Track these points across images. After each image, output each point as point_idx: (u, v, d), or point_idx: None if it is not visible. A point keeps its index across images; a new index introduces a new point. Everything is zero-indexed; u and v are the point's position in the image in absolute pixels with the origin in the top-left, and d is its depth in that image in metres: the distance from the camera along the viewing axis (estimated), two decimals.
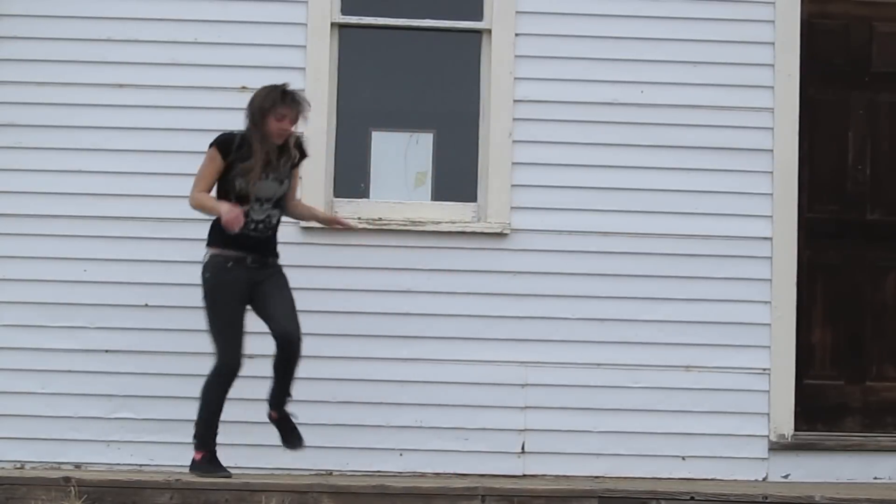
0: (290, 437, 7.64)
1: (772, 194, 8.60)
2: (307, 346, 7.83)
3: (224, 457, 7.60)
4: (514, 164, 8.54)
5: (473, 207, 8.61)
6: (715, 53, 8.61)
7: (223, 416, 8.07)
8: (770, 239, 8.59)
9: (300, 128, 7.63)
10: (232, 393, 8.11)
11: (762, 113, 8.61)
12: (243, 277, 7.53)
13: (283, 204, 7.64)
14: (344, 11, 8.62)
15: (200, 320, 8.24)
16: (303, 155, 7.71)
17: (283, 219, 7.75)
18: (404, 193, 8.68)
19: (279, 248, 7.69)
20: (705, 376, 8.52)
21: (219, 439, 7.80)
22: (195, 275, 8.33)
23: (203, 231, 8.28)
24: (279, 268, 7.67)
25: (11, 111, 8.42)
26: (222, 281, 7.50)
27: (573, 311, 8.51)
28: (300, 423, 7.77)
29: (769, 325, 8.55)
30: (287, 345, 7.48)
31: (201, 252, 8.35)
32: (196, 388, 8.11)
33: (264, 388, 8.14)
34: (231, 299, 7.51)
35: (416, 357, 8.45)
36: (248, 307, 7.60)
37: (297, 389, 7.85)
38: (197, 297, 8.05)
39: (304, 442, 7.65)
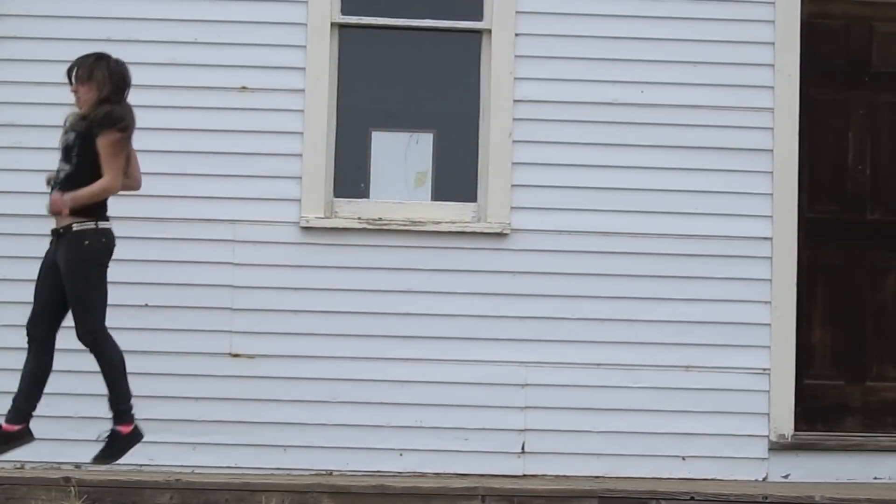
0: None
1: (772, 194, 8.60)
2: (307, 346, 7.85)
3: (224, 457, 7.60)
4: (514, 164, 8.54)
5: (473, 207, 8.61)
6: (715, 53, 8.61)
7: (223, 416, 8.09)
8: (770, 239, 8.59)
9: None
10: (232, 393, 8.14)
11: (762, 113, 8.61)
12: None
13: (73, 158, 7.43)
14: (344, 11, 8.62)
15: (200, 320, 8.28)
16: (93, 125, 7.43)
17: (281, 218, 7.75)
18: (404, 193, 8.68)
19: None
20: (705, 376, 8.52)
21: (219, 439, 7.84)
22: (195, 275, 8.36)
23: (202, 231, 8.32)
24: (73, 253, 7.42)
25: (11, 111, 8.42)
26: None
27: (573, 311, 8.50)
28: (300, 423, 7.78)
29: (769, 325, 8.55)
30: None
31: (201, 252, 8.38)
32: (196, 388, 8.14)
33: (264, 389, 8.16)
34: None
35: (416, 357, 8.45)
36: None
37: (297, 389, 7.86)
38: (197, 296, 8.09)
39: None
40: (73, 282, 7.40)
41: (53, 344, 7.54)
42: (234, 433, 7.98)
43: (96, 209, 7.43)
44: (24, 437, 7.40)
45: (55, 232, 7.48)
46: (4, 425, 7.38)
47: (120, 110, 7.45)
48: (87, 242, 7.39)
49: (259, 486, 7.16)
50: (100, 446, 7.38)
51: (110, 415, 7.39)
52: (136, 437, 7.43)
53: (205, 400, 8.26)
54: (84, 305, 7.41)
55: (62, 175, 7.45)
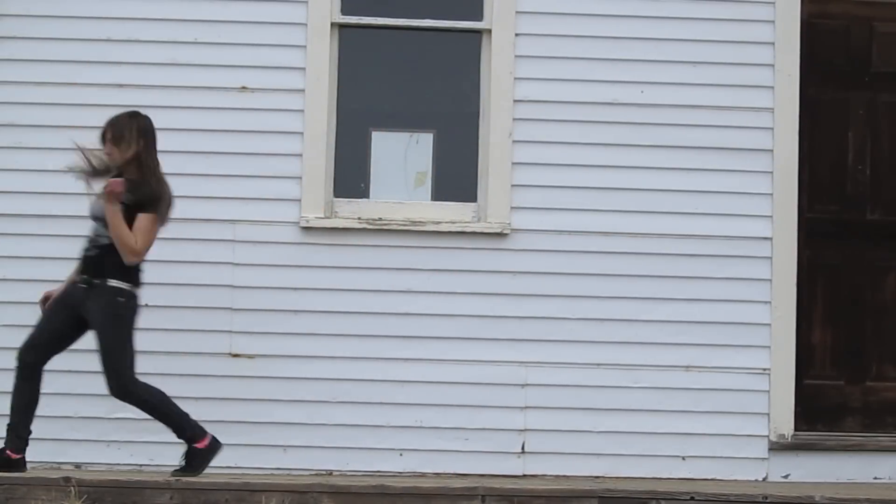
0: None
1: (772, 194, 8.60)
2: (307, 346, 7.84)
3: (224, 457, 7.60)
4: (514, 164, 8.54)
5: (473, 207, 8.61)
6: (715, 53, 8.61)
7: (223, 417, 8.08)
8: (770, 239, 8.59)
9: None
10: (232, 393, 8.14)
11: (762, 113, 8.61)
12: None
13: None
14: (344, 11, 8.62)
15: (200, 320, 8.28)
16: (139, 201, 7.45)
17: (281, 218, 7.76)
18: (404, 193, 8.68)
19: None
20: (705, 376, 8.52)
21: (219, 439, 7.82)
22: (195, 275, 8.36)
23: (202, 231, 8.32)
24: (108, 308, 7.48)
25: (11, 111, 8.42)
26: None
27: (573, 311, 8.50)
28: (300, 423, 7.79)
29: (769, 325, 8.55)
30: None
31: (202, 252, 8.38)
32: (196, 388, 8.13)
33: (264, 389, 8.16)
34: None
35: (416, 357, 8.45)
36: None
37: (297, 389, 7.86)
38: (197, 296, 8.11)
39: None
40: (107, 335, 7.44)
41: (41, 374, 7.55)
42: (234, 433, 7.97)
43: (134, 274, 7.48)
44: (21, 465, 7.48)
45: (86, 282, 7.48)
46: (8, 451, 7.45)
47: (163, 191, 7.46)
48: (121, 300, 7.44)
49: (259, 486, 7.15)
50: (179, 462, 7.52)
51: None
52: (213, 448, 7.49)
53: (205, 400, 8.26)
54: (116, 358, 7.44)
55: (103, 241, 7.47)
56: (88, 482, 7.15)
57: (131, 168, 7.46)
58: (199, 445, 7.46)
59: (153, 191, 7.42)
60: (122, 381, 7.43)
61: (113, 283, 7.43)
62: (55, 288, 7.65)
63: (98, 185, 7.48)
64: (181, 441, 7.48)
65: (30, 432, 7.50)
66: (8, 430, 7.50)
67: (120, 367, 7.41)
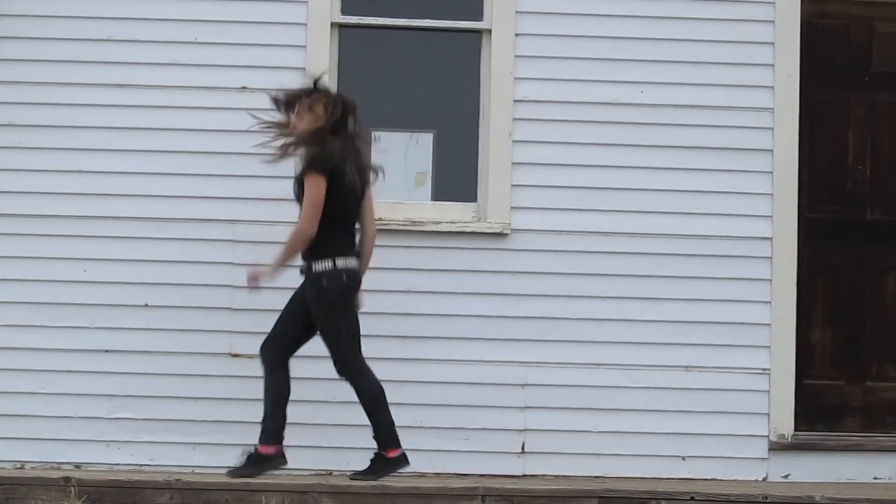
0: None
1: (772, 194, 8.60)
2: (307, 346, 7.82)
3: (224, 457, 7.60)
4: (514, 164, 8.54)
5: (473, 207, 8.61)
6: (715, 53, 8.61)
7: (223, 416, 8.09)
8: (770, 239, 8.59)
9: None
10: (232, 393, 8.15)
11: (762, 113, 8.61)
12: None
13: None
14: (344, 11, 8.62)
15: (200, 320, 8.28)
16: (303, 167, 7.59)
17: (281, 218, 7.76)
18: (404, 193, 8.68)
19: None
20: (705, 376, 8.52)
21: (219, 439, 7.84)
22: (195, 275, 8.37)
23: (202, 231, 8.32)
24: (316, 295, 7.55)
25: (11, 111, 8.41)
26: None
27: (573, 311, 8.51)
28: (299, 423, 7.79)
29: (769, 325, 8.55)
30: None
31: (201, 252, 8.39)
32: (196, 388, 8.13)
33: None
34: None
35: (416, 357, 8.45)
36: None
37: (297, 389, 7.85)
38: (197, 296, 8.10)
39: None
40: (320, 322, 7.52)
41: (287, 369, 7.61)
42: (234, 433, 7.97)
43: (333, 246, 7.50)
44: (278, 459, 7.54)
45: (301, 270, 7.57)
46: (259, 447, 7.51)
47: (327, 152, 7.47)
48: (325, 283, 7.48)
49: (259, 486, 7.16)
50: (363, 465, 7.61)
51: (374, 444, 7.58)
52: (400, 461, 7.55)
53: (205, 400, 8.27)
54: (334, 342, 7.52)
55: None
56: (88, 482, 7.16)
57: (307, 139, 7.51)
58: (388, 453, 7.52)
59: (313, 153, 7.44)
60: (342, 363, 7.49)
61: (316, 267, 7.48)
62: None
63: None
64: (180, 442, 7.49)
65: (282, 426, 7.55)
66: (261, 426, 7.55)
67: (340, 350, 7.48)
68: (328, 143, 7.49)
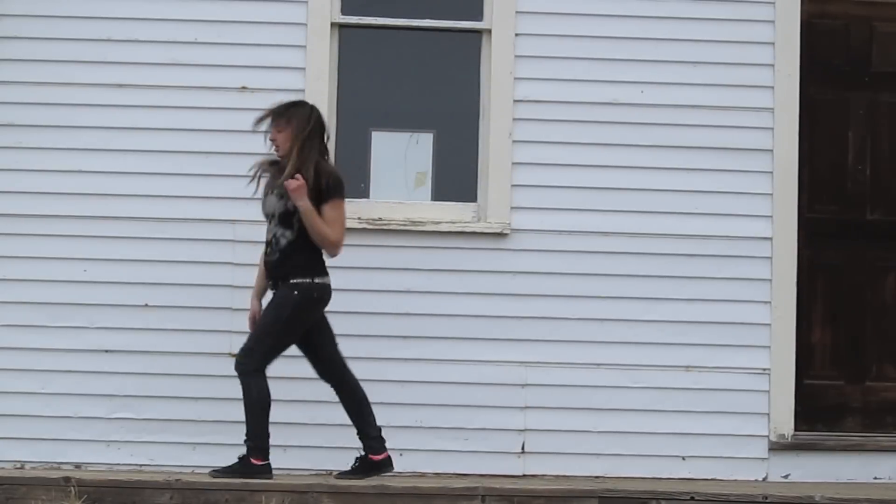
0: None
1: (772, 194, 8.60)
2: None
3: (224, 457, 7.60)
4: (514, 164, 8.54)
5: (473, 207, 8.61)
6: (715, 53, 8.61)
7: (223, 417, 8.09)
8: (770, 239, 8.59)
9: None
10: (233, 393, 8.10)
11: (762, 113, 8.61)
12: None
13: (295, 224, 7.51)
14: (344, 11, 8.62)
15: (200, 320, 8.28)
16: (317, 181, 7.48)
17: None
18: (404, 193, 8.68)
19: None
20: (705, 376, 8.52)
21: (219, 439, 7.84)
22: (195, 275, 8.37)
23: (202, 231, 8.31)
24: (279, 294, 7.53)
25: (11, 111, 8.42)
26: None
27: (573, 311, 8.51)
28: (300, 423, 7.78)
29: (769, 325, 8.55)
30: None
31: (201, 252, 8.39)
32: (196, 388, 8.12)
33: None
34: None
35: (416, 357, 8.45)
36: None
37: (297, 389, 7.85)
38: (197, 296, 8.09)
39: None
40: (271, 313, 7.50)
41: (351, 377, 7.68)
42: (234, 433, 7.96)
43: (316, 265, 7.52)
44: (388, 465, 7.63)
45: (273, 288, 7.56)
46: (371, 455, 7.59)
47: (340, 176, 7.54)
48: (295, 293, 7.47)
49: (259, 486, 7.15)
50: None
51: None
52: (385, 465, 7.59)
53: (205, 400, 8.27)
54: (260, 339, 7.50)
55: (284, 242, 7.51)
56: (88, 482, 7.16)
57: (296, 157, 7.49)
58: (373, 457, 7.57)
59: (338, 179, 7.49)
60: (249, 361, 7.44)
61: (293, 281, 7.48)
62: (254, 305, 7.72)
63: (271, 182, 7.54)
64: (180, 442, 7.49)
65: (377, 430, 7.63)
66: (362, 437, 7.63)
67: (257, 348, 7.46)
68: (327, 162, 7.57)
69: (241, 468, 7.41)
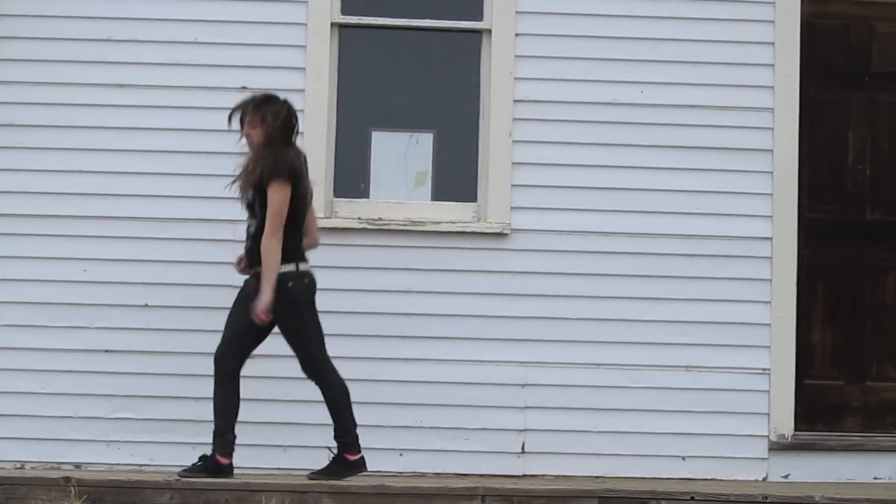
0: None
1: (772, 194, 8.60)
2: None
3: None
4: (514, 164, 8.54)
5: (473, 207, 8.61)
6: (715, 53, 8.61)
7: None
8: (770, 239, 8.59)
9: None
10: None
11: (762, 113, 8.61)
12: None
13: (258, 212, 7.45)
14: (344, 11, 8.62)
15: (200, 320, 8.27)
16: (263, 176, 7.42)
17: None
18: (404, 193, 8.68)
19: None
20: (705, 376, 8.52)
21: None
22: (195, 275, 8.37)
23: (202, 231, 8.31)
24: (278, 308, 7.45)
25: (11, 111, 8.42)
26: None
27: (573, 311, 8.51)
28: (300, 423, 7.78)
29: (769, 325, 8.55)
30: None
31: (201, 252, 8.38)
32: (196, 388, 8.12)
33: (266, 389, 8.15)
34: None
35: (416, 357, 8.45)
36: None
37: (297, 389, 7.84)
38: (197, 296, 8.10)
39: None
40: (287, 322, 7.46)
41: (239, 376, 7.58)
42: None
43: (293, 250, 7.43)
44: (229, 471, 7.51)
45: (256, 275, 7.47)
46: (219, 458, 7.48)
47: (288, 160, 7.42)
48: (290, 284, 7.42)
49: (259, 486, 7.15)
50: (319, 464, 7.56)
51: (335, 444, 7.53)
52: (359, 465, 7.51)
53: (205, 400, 8.23)
54: (301, 341, 7.48)
55: (252, 229, 7.49)
56: (88, 482, 7.16)
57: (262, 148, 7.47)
58: (349, 456, 7.47)
59: (275, 162, 7.37)
60: (311, 362, 7.46)
61: (279, 269, 7.40)
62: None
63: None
64: (180, 442, 7.48)
65: (234, 437, 7.53)
66: (215, 436, 7.52)
67: (308, 349, 7.45)
68: (286, 150, 7.46)
69: (338, 466, 7.44)
